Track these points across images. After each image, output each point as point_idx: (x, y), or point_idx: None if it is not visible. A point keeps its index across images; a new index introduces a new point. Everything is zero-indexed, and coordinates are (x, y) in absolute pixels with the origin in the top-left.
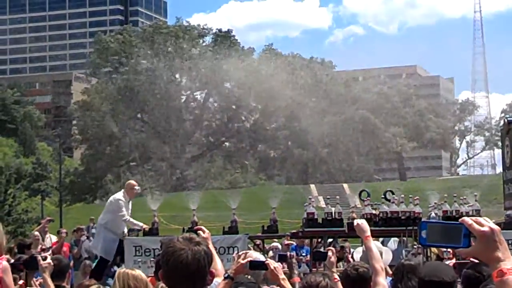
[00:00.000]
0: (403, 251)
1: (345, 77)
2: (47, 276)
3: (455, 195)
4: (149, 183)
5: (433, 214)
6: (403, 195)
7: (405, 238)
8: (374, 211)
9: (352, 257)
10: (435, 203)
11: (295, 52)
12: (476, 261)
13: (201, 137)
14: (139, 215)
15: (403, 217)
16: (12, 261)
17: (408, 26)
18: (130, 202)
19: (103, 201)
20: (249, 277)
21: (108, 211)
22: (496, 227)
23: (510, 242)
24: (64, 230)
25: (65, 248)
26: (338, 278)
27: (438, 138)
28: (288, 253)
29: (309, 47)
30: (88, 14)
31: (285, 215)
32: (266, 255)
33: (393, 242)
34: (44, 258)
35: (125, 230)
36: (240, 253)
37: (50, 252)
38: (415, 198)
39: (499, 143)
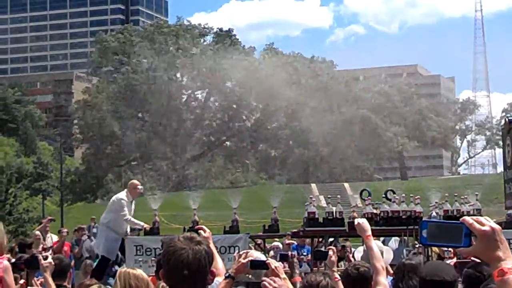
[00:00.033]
0: (404, 251)
1: (346, 76)
2: (48, 275)
3: (456, 194)
4: (150, 183)
5: (434, 214)
6: (404, 195)
7: (406, 238)
8: (375, 211)
9: (353, 256)
10: (436, 202)
11: (296, 52)
12: (477, 260)
13: (202, 137)
14: (140, 215)
15: (404, 217)
16: (13, 260)
17: (409, 25)
18: (133, 201)
19: (104, 201)
20: (250, 276)
21: (111, 210)
22: (496, 227)
23: (511, 241)
24: (65, 230)
25: (66, 248)
26: (339, 277)
27: (439, 138)
28: (290, 253)
29: (310, 47)
30: (89, 13)
31: (286, 215)
32: (267, 254)
33: (394, 242)
34: (45, 258)
35: (128, 230)
36: (241, 253)
37: (50, 251)
38: (416, 197)
39: (500, 143)
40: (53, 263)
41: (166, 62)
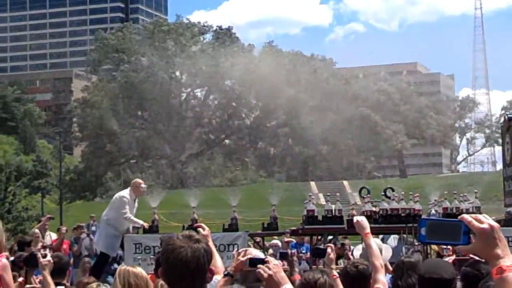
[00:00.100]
0: (403, 248)
1: (345, 74)
2: (47, 273)
3: (455, 192)
4: (149, 181)
5: (433, 211)
6: (403, 192)
7: (405, 235)
8: (374, 208)
9: (352, 254)
10: (435, 200)
11: (295, 50)
12: (476, 257)
13: (201, 135)
14: (139, 213)
15: (403, 214)
16: (12, 258)
17: (408, 23)
18: (136, 200)
19: (103, 199)
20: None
21: (112, 208)
22: (495, 224)
23: (510, 239)
24: (64, 228)
25: (65, 246)
26: (337, 275)
27: (438, 135)
28: (289, 251)
29: (310, 45)
30: (88, 11)
31: (285, 213)
32: (266, 252)
33: (393, 239)
34: (44, 256)
35: (130, 228)
36: (240, 251)
37: (47, 250)
38: (415, 195)
39: (500, 140)
40: (52, 261)
41: (166, 60)
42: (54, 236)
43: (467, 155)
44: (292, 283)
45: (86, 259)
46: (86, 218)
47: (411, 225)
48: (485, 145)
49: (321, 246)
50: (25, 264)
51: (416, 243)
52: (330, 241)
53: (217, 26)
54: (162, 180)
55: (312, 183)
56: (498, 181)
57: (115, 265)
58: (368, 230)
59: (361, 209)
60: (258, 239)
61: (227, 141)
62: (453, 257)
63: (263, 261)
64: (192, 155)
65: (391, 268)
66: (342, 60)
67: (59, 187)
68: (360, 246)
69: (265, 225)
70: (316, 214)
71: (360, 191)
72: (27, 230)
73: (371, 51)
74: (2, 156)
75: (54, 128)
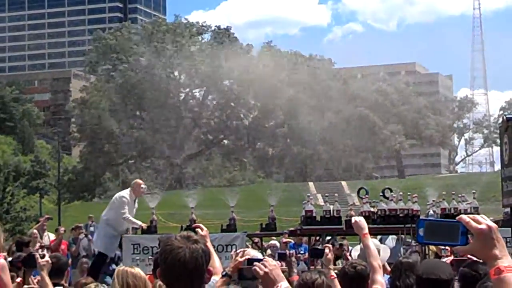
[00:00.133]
0: (401, 249)
1: (344, 74)
2: (45, 274)
3: (453, 192)
4: (148, 181)
5: (431, 212)
6: (401, 193)
7: (403, 236)
8: (372, 209)
9: (350, 255)
10: (433, 200)
11: (294, 50)
12: (474, 258)
13: (199, 135)
14: (137, 213)
15: (401, 215)
16: (10, 259)
17: (407, 23)
18: (136, 200)
19: (102, 199)
20: None
21: (111, 208)
22: (493, 225)
23: (508, 240)
24: (62, 228)
25: (63, 246)
26: (335, 275)
27: (436, 136)
28: (288, 252)
29: (308, 45)
30: (87, 11)
31: (284, 213)
32: (264, 253)
33: (391, 240)
34: (42, 256)
35: (130, 228)
36: (238, 251)
37: (46, 250)
38: (414, 195)
39: (498, 141)
40: (50, 261)
41: (164, 61)
42: (52, 236)
43: (466, 155)
44: (291, 284)
45: (84, 259)
46: (84, 218)
47: (409, 225)
48: (483, 145)
49: (319, 247)
50: (23, 264)
51: (414, 244)
52: (328, 241)
53: (215, 26)
54: (160, 181)
55: (311, 184)
56: (496, 182)
57: (113, 266)
58: (366, 230)
59: (359, 210)
60: (256, 239)
61: (225, 141)
62: (451, 257)
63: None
64: (190, 155)
65: (389, 269)
66: (340, 60)
67: (58, 187)
68: (358, 247)
69: (263, 226)
70: (314, 214)
71: (358, 192)
72: (25, 230)
73: (369, 51)
74: (0, 156)
75: (52, 128)
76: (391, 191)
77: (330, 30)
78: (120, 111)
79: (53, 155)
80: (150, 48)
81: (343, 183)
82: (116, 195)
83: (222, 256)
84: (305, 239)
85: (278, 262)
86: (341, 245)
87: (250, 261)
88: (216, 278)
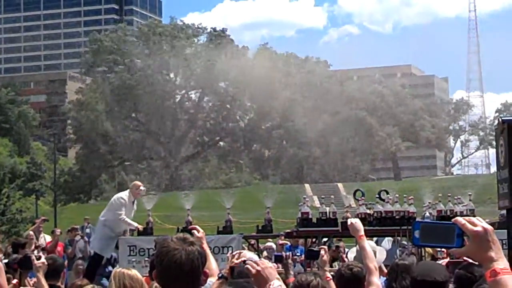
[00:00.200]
0: (398, 251)
1: (340, 76)
2: (41, 275)
3: (449, 194)
4: (144, 183)
5: (427, 214)
6: (397, 195)
7: (399, 238)
8: (368, 211)
9: (346, 257)
10: (429, 202)
11: (290, 51)
12: (470, 260)
13: (195, 137)
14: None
15: (397, 217)
16: (6, 260)
17: (402, 25)
18: (135, 202)
19: (98, 201)
20: None
21: (109, 209)
22: (489, 227)
23: (503, 242)
24: (58, 230)
25: (59, 248)
26: (331, 277)
27: (432, 138)
28: (284, 254)
29: (304, 47)
30: (83, 13)
31: (280, 215)
32: (260, 255)
33: (387, 242)
34: (38, 258)
35: (128, 230)
36: (234, 253)
37: (41, 252)
38: (410, 197)
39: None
40: (46, 263)
41: (160, 62)
42: (48, 238)
43: (461, 157)
44: (287, 285)
45: (79, 261)
46: (80, 220)
47: (405, 227)
48: (479, 147)
49: (315, 248)
50: (19, 266)
51: (408, 246)
52: (325, 243)
53: (211, 28)
54: (156, 182)
55: (307, 186)
56: (492, 184)
57: (110, 268)
58: (362, 232)
59: (356, 212)
60: (252, 241)
61: (221, 143)
62: (447, 259)
63: None
64: (186, 157)
65: (385, 271)
66: (336, 62)
67: (53, 189)
68: (354, 249)
69: (260, 228)
70: (310, 216)
71: (354, 194)
72: (21, 232)
73: (365, 53)
74: None
75: (48, 130)
76: (387, 193)
77: (326, 32)
78: (116, 112)
79: (49, 157)
80: (146, 50)
81: (339, 185)
82: (115, 197)
83: (219, 258)
84: (301, 241)
85: (274, 264)
86: (337, 247)
87: (247, 263)
88: (212, 280)
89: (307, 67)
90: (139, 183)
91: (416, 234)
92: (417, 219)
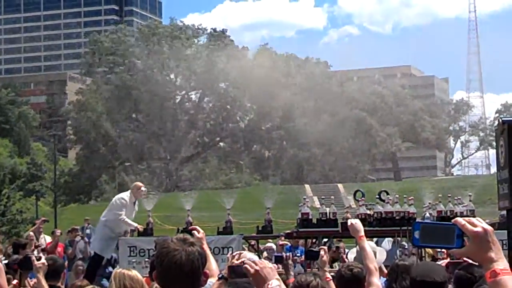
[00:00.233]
0: (398, 251)
1: (340, 77)
2: (41, 276)
3: (449, 195)
4: (144, 183)
5: (427, 214)
6: (397, 195)
7: (399, 238)
8: (368, 211)
9: (347, 257)
10: (429, 203)
11: (290, 52)
12: (470, 261)
13: (195, 137)
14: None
15: (397, 217)
16: (7, 261)
17: (402, 26)
18: (136, 203)
19: (98, 202)
20: None
21: (110, 209)
22: (489, 228)
23: (503, 242)
24: (59, 231)
25: (59, 249)
26: (330, 277)
27: (432, 138)
28: (284, 255)
29: (304, 47)
30: (83, 14)
31: (280, 215)
32: (260, 255)
33: (387, 242)
34: (39, 258)
35: (128, 230)
36: (234, 254)
37: (42, 252)
38: (410, 198)
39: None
40: (46, 263)
41: (160, 63)
42: (48, 239)
43: (461, 158)
44: (287, 286)
45: (79, 262)
46: (80, 221)
47: (405, 228)
48: (479, 148)
49: (315, 249)
50: (20, 266)
51: (406, 246)
52: (325, 244)
53: (211, 28)
54: (156, 183)
55: (307, 186)
56: (492, 184)
57: (110, 268)
58: (362, 233)
59: (356, 212)
60: (252, 242)
61: (221, 144)
62: (447, 260)
63: None
64: (186, 158)
65: (385, 271)
66: (336, 63)
67: (54, 190)
68: (354, 250)
69: (260, 228)
70: (310, 217)
71: (354, 194)
72: (21, 233)
73: (365, 54)
74: None
75: (48, 130)
76: (387, 193)
77: (326, 33)
78: (116, 113)
79: (49, 158)
80: (146, 51)
81: (340, 185)
82: (116, 197)
83: (219, 258)
84: (301, 241)
85: (275, 265)
86: (337, 247)
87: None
88: (212, 281)
89: (307, 67)
90: (140, 184)
91: (416, 234)
92: (417, 220)
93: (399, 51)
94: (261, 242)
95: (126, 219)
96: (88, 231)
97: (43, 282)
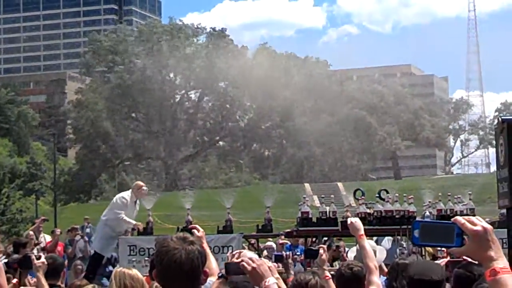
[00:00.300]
0: (398, 250)
1: (339, 76)
2: (41, 275)
3: (449, 194)
4: (144, 182)
5: (427, 213)
6: (397, 194)
7: (399, 237)
8: (368, 210)
9: (347, 256)
10: (429, 202)
11: (289, 51)
12: (470, 259)
13: (195, 136)
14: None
15: (397, 216)
16: (6, 260)
17: (402, 25)
18: (137, 202)
19: (98, 201)
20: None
21: (111, 208)
22: (488, 226)
23: (503, 241)
24: (58, 230)
25: (59, 248)
26: (330, 276)
27: (432, 137)
28: (284, 254)
29: (304, 47)
30: (82, 13)
31: (280, 214)
32: (260, 254)
33: (387, 241)
34: (38, 257)
35: (129, 229)
36: (234, 253)
37: (41, 251)
38: (410, 197)
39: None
40: (46, 262)
41: (159, 62)
42: (48, 238)
43: (461, 157)
44: (287, 285)
45: (78, 261)
46: (80, 220)
47: (405, 227)
48: (479, 147)
49: (314, 247)
50: (19, 265)
51: (404, 245)
52: (325, 243)
53: (210, 28)
54: (156, 182)
55: (307, 185)
56: (492, 183)
57: (110, 268)
58: (362, 231)
59: (356, 211)
60: (252, 241)
61: (221, 143)
62: (447, 259)
63: None
64: (186, 157)
65: (385, 270)
66: (336, 62)
67: (53, 189)
68: (354, 248)
69: (260, 227)
70: (310, 216)
71: (354, 193)
72: (21, 232)
73: (365, 53)
74: None
75: (48, 130)
76: (387, 192)
77: (325, 32)
78: (115, 112)
79: (49, 157)
80: (146, 50)
81: (339, 184)
82: (117, 196)
83: (219, 257)
84: (301, 240)
85: (274, 263)
86: (337, 246)
87: None
88: (212, 280)
89: (307, 67)
90: (141, 183)
91: (416, 233)
92: (417, 219)
93: (399, 50)
94: (261, 241)
95: (125, 217)
96: (88, 230)
97: (43, 281)
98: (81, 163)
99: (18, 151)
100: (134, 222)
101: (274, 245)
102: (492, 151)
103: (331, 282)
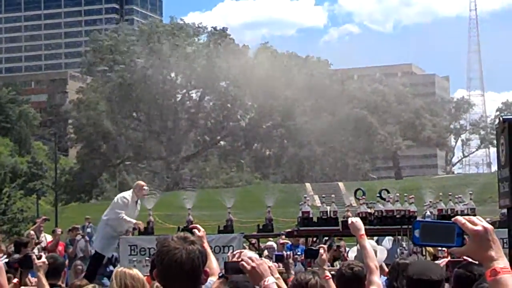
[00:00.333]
0: (398, 250)
1: (340, 75)
2: (41, 275)
3: (450, 193)
4: (144, 182)
5: (428, 213)
6: (398, 194)
7: (400, 237)
8: (369, 210)
9: (347, 256)
10: (430, 201)
11: (290, 51)
12: (470, 259)
13: (196, 136)
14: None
15: (398, 216)
16: (7, 260)
17: (403, 25)
18: (139, 202)
19: (99, 200)
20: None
21: (112, 208)
22: (489, 226)
23: (504, 241)
24: (59, 229)
25: (60, 247)
26: (330, 276)
27: (433, 137)
28: (285, 253)
29: (305, 46)
30: (83, 12)
31: (281, 214)
32: (261, 254)
33: (388, 241)
34: (39, 257)
35: (131, 229)
36: (234, 252)
37: (42, 251)
38: (410, 196)
39: (495, 142)
40: (46, 262)
41: (161, 61)
42: (49, 237)
43: (462, 156)
44: (288, 285)
45: (78, 261)
46: (81, 219)
47: (406, 226)
48: (480, 146)
49: (314, 247)
50: (20, 265)
51: (405, 245)
52: (325, 242)
53: (212, 27)
54: (157, 182)
55: (307, 185)
56: (493, 183)
57: (111, 267)
58: (363, 231)
59: (356, 211)
60: (253, 240)
61: (222, 142)
62: (447, 259)
63: None
64: (187, 156)
65: (386, 270)
66: (337, 61)
67: (54, 188)
68: (355, 248)
69: (260, 227)
70: (311, 215)
71: (355, 193)
72: (22, 231)
73: (366, 52)
74: None
75: (49, 129)
76: (388, 192)
77: (327, 31)
78: (116, 112)
79: (50, 156)
80: (147, 49)
81: (340, 184)
82: (118, 196)
83: (219, 257)
84: (302, 240)
85: (275, 263)
86: (338, 246)
87: None
88: (213, 279)
89: (308, 66)
90: (142, 183)
91: (416, 233)
92: (417, 218)
93: (400, 50)
94: (261, 240)
95: (125, 216)
96: (88, 230)
97: (44, 280)
98: (82, 163)
99: (19, 150)
100: (134, 221)
101: (274, 245)
102: (493, 150)
103: (331, 282)
